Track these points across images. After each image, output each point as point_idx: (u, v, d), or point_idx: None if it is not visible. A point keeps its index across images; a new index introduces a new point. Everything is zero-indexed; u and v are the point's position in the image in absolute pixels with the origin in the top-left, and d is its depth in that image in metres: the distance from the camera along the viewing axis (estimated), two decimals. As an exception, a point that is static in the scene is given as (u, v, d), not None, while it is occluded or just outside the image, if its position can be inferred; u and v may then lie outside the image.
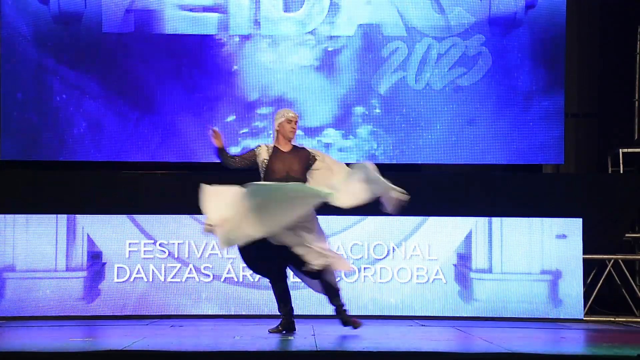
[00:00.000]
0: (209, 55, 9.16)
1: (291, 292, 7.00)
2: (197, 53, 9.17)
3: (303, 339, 6.56)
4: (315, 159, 6.86)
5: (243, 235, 6.54)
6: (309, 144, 8.32)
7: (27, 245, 8.35)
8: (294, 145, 6.90)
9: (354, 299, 8.41)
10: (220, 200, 6.63)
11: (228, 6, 9.19)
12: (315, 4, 9.20)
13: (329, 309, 8.31)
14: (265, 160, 6.78)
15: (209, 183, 8.70)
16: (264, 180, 6.76)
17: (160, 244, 8.41)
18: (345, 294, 8.39)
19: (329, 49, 9.24)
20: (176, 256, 8.42)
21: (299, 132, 7.23)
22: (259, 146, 6.89)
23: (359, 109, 9.27)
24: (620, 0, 9.73)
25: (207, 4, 9.18)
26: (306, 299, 8.14)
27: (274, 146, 6.86)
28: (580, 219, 8.54)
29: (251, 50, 9.21)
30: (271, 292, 6.98)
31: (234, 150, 8.97)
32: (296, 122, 6.84)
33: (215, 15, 9.19)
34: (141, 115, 9.13)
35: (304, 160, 6.85)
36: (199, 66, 9.17)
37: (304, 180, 6.80)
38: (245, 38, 9.19)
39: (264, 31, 9.19)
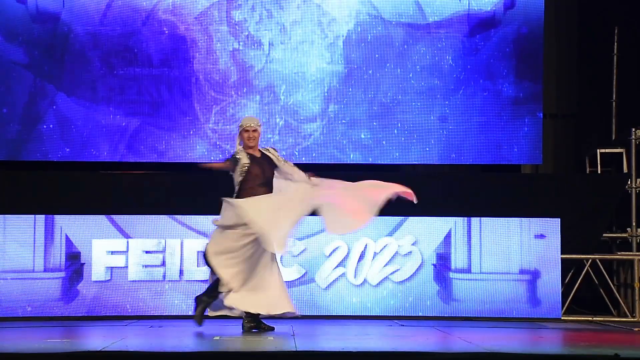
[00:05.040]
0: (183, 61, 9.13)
1: None
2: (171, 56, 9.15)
3: (282, 339, 6.56)
4: (277, 166, 7.13)
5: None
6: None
7: (5, 246, 8.29)
8: (260, 151, 7.15)
9: (333, 299, 8.41)
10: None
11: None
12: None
13: (309, 310, 8.34)
14: (246, 165, 7.02)
15: (190, 183, 8.71)
16: (246, 183, 7.00)
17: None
18: (325, 295, 8.43)
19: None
20: (155, 256, 8.39)
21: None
22: (237, 152, 7.11)
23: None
24: (599, 2, 9.79)
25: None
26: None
27: (248, 152, 7.10)
28: (559, 219, 8.58)
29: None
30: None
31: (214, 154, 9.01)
32: (254, 130, 7.08)
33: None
34: (119, 115, 9.07)
35: (272, 165, 7.15)
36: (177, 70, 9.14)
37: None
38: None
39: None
